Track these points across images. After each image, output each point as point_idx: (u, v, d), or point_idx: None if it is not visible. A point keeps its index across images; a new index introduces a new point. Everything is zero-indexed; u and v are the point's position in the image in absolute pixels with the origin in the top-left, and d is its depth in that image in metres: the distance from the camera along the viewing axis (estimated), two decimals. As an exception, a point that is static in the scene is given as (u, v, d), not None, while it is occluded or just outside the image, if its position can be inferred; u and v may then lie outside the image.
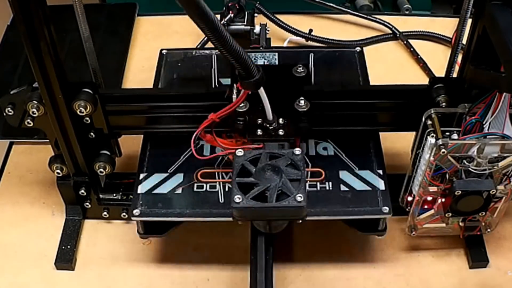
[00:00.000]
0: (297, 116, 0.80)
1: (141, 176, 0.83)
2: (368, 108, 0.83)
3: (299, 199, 0.69)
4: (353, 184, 0.82)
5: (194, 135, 0.77)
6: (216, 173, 0.83)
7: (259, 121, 0.79)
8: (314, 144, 0.86)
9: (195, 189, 0.82)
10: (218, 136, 0.79)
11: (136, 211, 0.80)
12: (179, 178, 0.83)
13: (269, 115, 0.78)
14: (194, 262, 0.87)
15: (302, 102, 0.80)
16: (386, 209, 0.79)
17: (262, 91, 0.74)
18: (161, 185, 0.83)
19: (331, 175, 0.82)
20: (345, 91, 0.84)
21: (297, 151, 0.73)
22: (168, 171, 0.84)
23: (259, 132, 0.79)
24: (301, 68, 0.84)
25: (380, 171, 0.83)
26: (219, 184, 0.82)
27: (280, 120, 0.80)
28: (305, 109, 0.80)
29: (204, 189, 0.82)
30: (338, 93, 0.83)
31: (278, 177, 0.71)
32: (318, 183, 0.81)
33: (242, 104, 0.78)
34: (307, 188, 0.79)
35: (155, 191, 0.82)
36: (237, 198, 0.69)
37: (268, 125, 0.79)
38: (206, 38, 1.11)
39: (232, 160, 0.74)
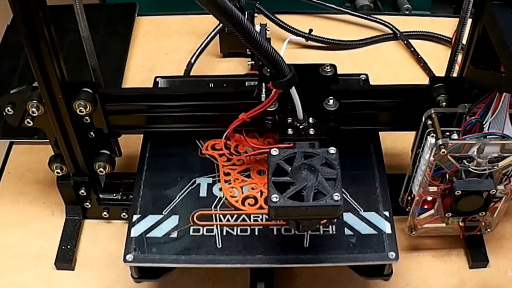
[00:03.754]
0: (326, 115, 0.80)
1: (134, 217, 0.80)
2: (369, 107, 0.83)
3: (336, 198, 0.68)
4: (358, 227, 0.78)
5: (225, 134, 0.77)
6: (214, 215, 0.80)
7: (289, 120, 0.79)
8: None
9: (191, 232, 0.78)
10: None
11: (129, 256, 0.76)
12: (174, 220, 0.79)
13: (300, 114, 0.78)
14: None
15: (331, 101, 0.80)
16: (392, 254, 0.76)
17: (293, 91, 0.74)
18: (156, 228, 0.79)
19: None
20: (370, 90, 0.84)
21: (332, 150, 0.72)
22: (163, 212, 0.80)
23: (290, 131, 0.78)
24: (328, 67, 0.84)
25: (386, 213, 0.79)
26: (217, 228, 0.79)
27: (310, 120, 0.79)
28: (334, 108, 0.80)
29: (201, 232, 0.78)
30: (366, 92, 0.84)
31: (314, 176, 0.70)
32: (321, 227, 0.78)
33: (272, 104, 0.78)
34: (310, 232, 0.77)
35: (149, 235, 0.78)
36: (274, 198, 0.68)
37: (298, 124, 0.79)
38: (196, 53, 1.10)
39: (267, 160, 0.73)
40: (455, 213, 0.78)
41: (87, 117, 0.81)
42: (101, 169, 0.86)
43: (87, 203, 0.90)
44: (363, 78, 0.98)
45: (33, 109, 0.78)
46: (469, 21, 0.76)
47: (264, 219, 0.79)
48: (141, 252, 0.77)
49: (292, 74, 0.71)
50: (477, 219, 0.81)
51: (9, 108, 0.80)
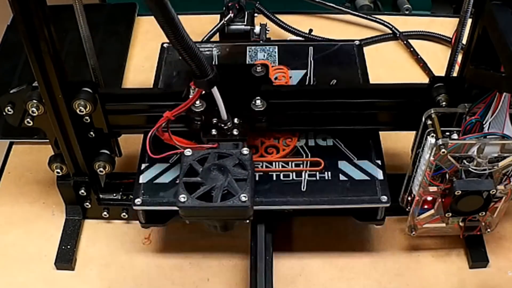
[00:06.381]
0: (254, 116, 0.80)
1: (143, 166, 0.83)
2: (368, 107, 0.83)
3: (243, 198, 0.69)
4: (352, 174, 0.82)
5: (150, 133, 0.76)
6: None
7: (214, 120, 0.79)
8: (314, 135, 0.86)
9: None
10: (176, 135, 0.78)
11: (138, 200, 0.80)
12: (179, 168, 0.79)
13: (223, 114, 0.78)
14: (194, 262, 0.87)
15: (259, 101, 0.80)
16: (384, 198, 0.79)
17: (215, 90, 0.74)
18: (163, 175, 0.82)
19: (330, 165, 0.83)
20: (300, 90, 0.85)
21: (245, 150, 0.74)
22: (170, 161, 0.83)
23: (214, 131, 0.78)
24: (260, 67, 0.84)
25: (379, 161, 0.83)
26: None
27: (235, 120, 0.79)
28: (261, 109, 0.80)
29: None
30: (295, 92, 0.84)
31: (224, 177, 0.71)
32: (317, 173, 0.82)
33: (199, 104, 0.78)
34: (307, 177, 0.81)
35: (157, 181, 0.82)
36: (182, 198, 0.69)
37: (222, 125, 0.79)
38: (208, 35, 1.11)
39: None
40: (455, 213, 0.78)
41: (87, 117, 0.81)
42: (101, 169, 0.86)
43: (87, 203, 0.90)
44: (356, 44, 1.00)
45: (33, 109, 0.78)
46: (469, 21, 0.76)
47: (264, 166, 0.83)
48: (149, 196, 0.80)
49: (214, 74, 0.71)
50: (477, 219, 0.81)
51: (9, 108, 0.80)
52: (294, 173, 0.82)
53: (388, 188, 0.80)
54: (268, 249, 0.82)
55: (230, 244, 0.88)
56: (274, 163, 0.83)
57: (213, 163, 0.72)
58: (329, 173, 0.82)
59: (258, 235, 0.82)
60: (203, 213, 0.71)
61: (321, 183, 0.81)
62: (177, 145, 0.78)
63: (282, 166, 0.83)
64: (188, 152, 0.74)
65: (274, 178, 0.82)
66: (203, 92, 0.74)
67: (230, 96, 0.77)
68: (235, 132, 0.79)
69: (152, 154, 0.76)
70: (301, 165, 0.83)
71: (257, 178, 0.81)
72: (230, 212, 0.71)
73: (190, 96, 0.76)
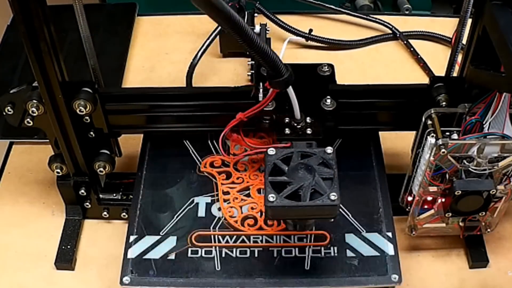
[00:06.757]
0: (324, 115, 0.80)
1: (131, 238, 0.79)
2: (368, 107, 0.83)
3: (333, 197, 0.68)
4: (360, 249, 0.77)
5: (222, 134, 0.77)
6: (212, 236, 0.79)
7: (287, 120, 0.79)
8: None
9: (189, 254, 0.77)
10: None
11: (126, 279, 0.76)
12: (172, 241, 0.79)
13: (297, 114, 0.78)
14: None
15: (329, 101, 0.80)
16: (395, 277, 0.75)
17: (290, 90, 0.74)
18: (153, 249, 0.78)
19: (336, 238, 0.78)
20: (369, 90, 0.84)
21: (329, 149, 0.72)
22: (160, 233, 0.79)
23: (287, 131, 0.79)
24: (326, 67, 0.84)
25: (389, 234, 0.79)
26: (215, 249, 0.78)
27: (308, 119, 0.79)
28: (331, 108, 0.80)
29: (199, 254, 0.77)
30: (364, 92, 0.83)
31: (311, 176, 0.70)
32: (322, 248, 0.78)
33: (269, 103, 0.78)
34: (311, 253, 0.77)
35: (146, 256, 0.77)
36: (271, 197, 0.68)
37: (296, 124, 0.79)
38: (198, 55, 1.09)
39: (263, 160, 0.74)
40: (455, 213, 0.78)
41: (87, 117, 0.81)
42: (101, 169, 0.86)
43: (87, 203, 0.90)
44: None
45: (33, 109, 0.78)
46: (469, 21, 0.76)
47: (264, 241, 0.79)
48: (138, 275, 0.76)
49: (289, 74, 0.71)
50: (477, 219, 0.81)
51: (9, 108, 0.80)
52: (297, 249, 0.78)
53: (399, 265, 0.76)
54: None
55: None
56: (275, 237, 0.79)
57: (299, 162, 0.72)
58: (335, 248, 0.77)
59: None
60: (292, 212, 0.69)
61: (327, 260, 0.76)
62: (248, 146, 0.78)
63: (284, 241, 0.78)
64: (271, 151, 0.72)
65: (275, 255, 0.77)
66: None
67: (301, 95, 0.77)
68: (308, 131, 0.78)
69: (225, 154, 0.79)
70: (305, 239, 0.78)
71: (256, 255, 0.77)
72: (319, 211, 0.69)
73: (260, 96, 0.77)
